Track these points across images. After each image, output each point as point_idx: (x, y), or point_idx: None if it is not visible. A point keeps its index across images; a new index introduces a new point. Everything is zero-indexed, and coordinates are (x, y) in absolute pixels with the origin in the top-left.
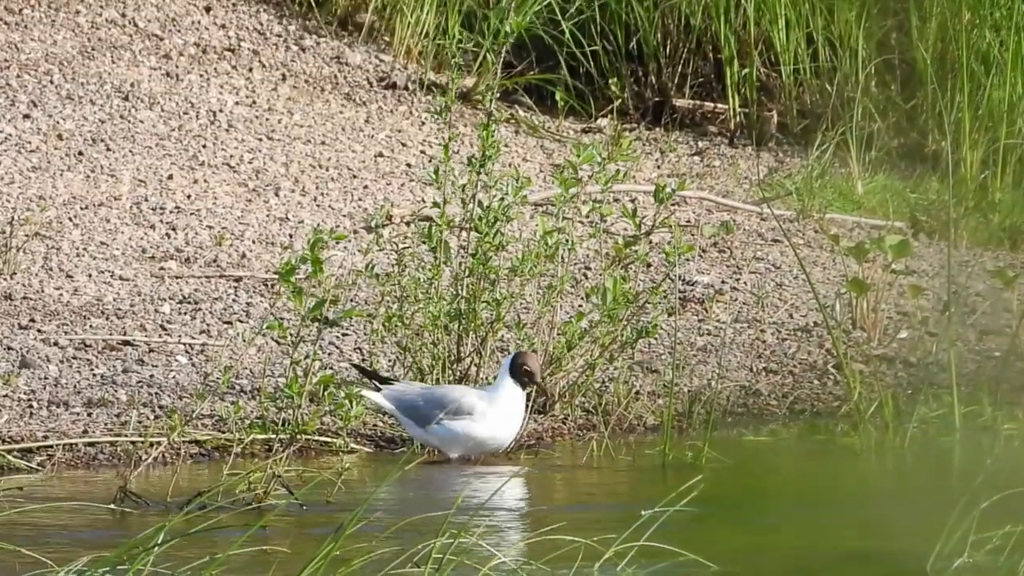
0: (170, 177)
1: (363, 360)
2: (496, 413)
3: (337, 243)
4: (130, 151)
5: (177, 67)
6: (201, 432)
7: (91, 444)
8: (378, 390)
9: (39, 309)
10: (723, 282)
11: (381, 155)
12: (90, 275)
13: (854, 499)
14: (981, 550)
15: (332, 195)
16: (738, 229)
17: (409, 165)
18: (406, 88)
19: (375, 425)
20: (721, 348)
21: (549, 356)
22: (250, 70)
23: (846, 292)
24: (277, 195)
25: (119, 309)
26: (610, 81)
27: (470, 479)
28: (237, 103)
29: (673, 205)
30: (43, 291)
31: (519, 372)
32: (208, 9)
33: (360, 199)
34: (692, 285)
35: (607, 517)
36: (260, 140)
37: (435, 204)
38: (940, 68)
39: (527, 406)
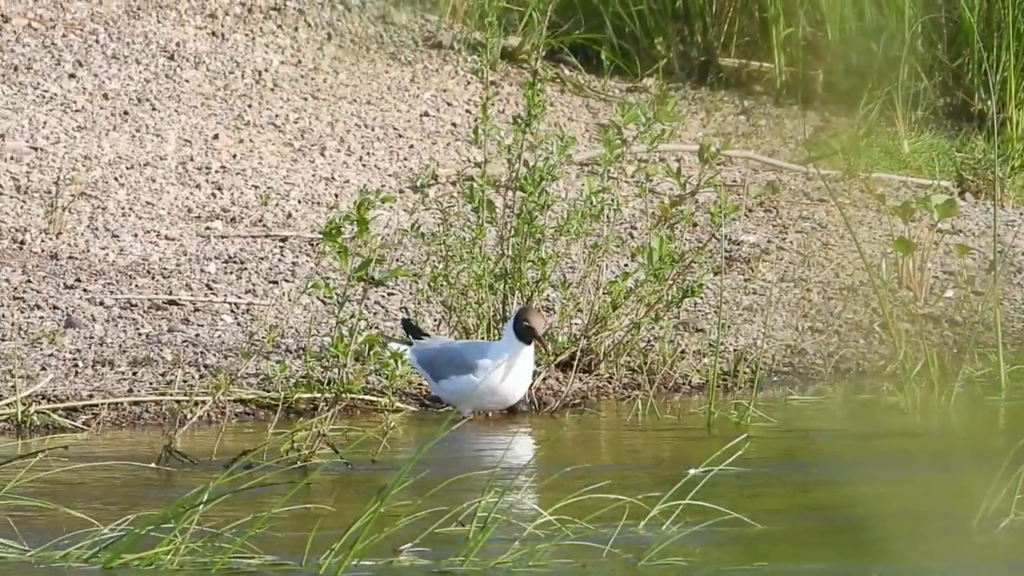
0: (215, 137)
1: (408, 320)
2: (499, 369)
3: (383, 203)
4: (175, 111)
5: (223, 26)
6: (246, 391)
7: (136, 403)
8: (410, 344)
9: (85, 269)
10: (769, 241)
11: (427, 114)
12: (136, 235)
13: (899, 459)
14: None
15: (377, 155)
16: (784, 188)
17: (455, 124)
18: (452, 47)
19: (420, 384)
20: (767, 307)
21: (595, 315)
22: (296, 29)
23: (892, 251)
24: (323, 155)
25: (164, 268)
26: (656, 40)
27: (515, 438)
28: (283, 62)
29: (719, 165)
30: (89, 251)
31: (521, 328)
32: None
33: (406, 159)
34: (738, 244)
35: (652, 476)
36: (305, 100)
37: (477, 164)
38: (986, 27)
39: (578, 364)
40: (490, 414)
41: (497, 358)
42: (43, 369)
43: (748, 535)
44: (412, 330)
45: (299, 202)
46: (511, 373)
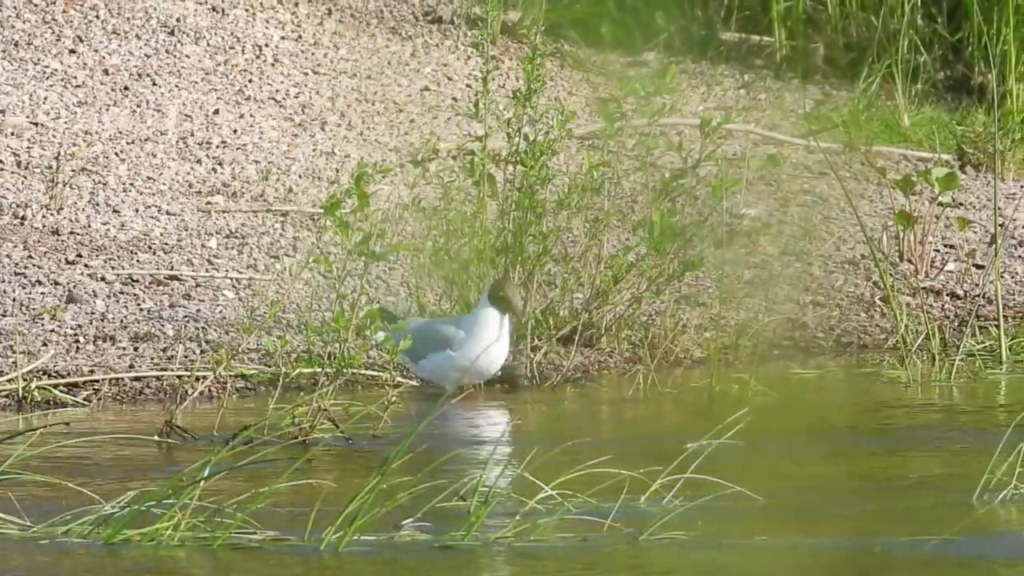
0: (216, 112)
1: (409, 294)
2: (473, 341)
3: (384, 177)
4: (176, 86)
5: (223, 1)
6: (247, 366)
7: (137, 379)
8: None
9: (86, 244)
10: (770, 215)
11: (427, 89)
12: (137, 210)
13: (900, 432)
14: None
15: (378, 129)
16: (785, 162)
17: (455, 99)
18: (451, 22)
19: None
20: (768, 281)
21: (596, 290)
22: (296, 4)
23: (893, 225)
24: (323, 129)
25: (166, 244)
26: (656, 14)
27: (516, 412)
28: (283, 37)
29: (719, 138)
30: (90, 226)
31: (496, 299)
32: None
33: (406, 133)
34: (739, 218)
35: (653, 450)
36: (306, 75)
37: (477, 138)
38: (986, 0)
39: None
40: (478, 386)
41: (471, 329)
42: (44, 345)
43: (750, 509)
44: (385, 315)
45: (300, 177)
46: (486, 343)
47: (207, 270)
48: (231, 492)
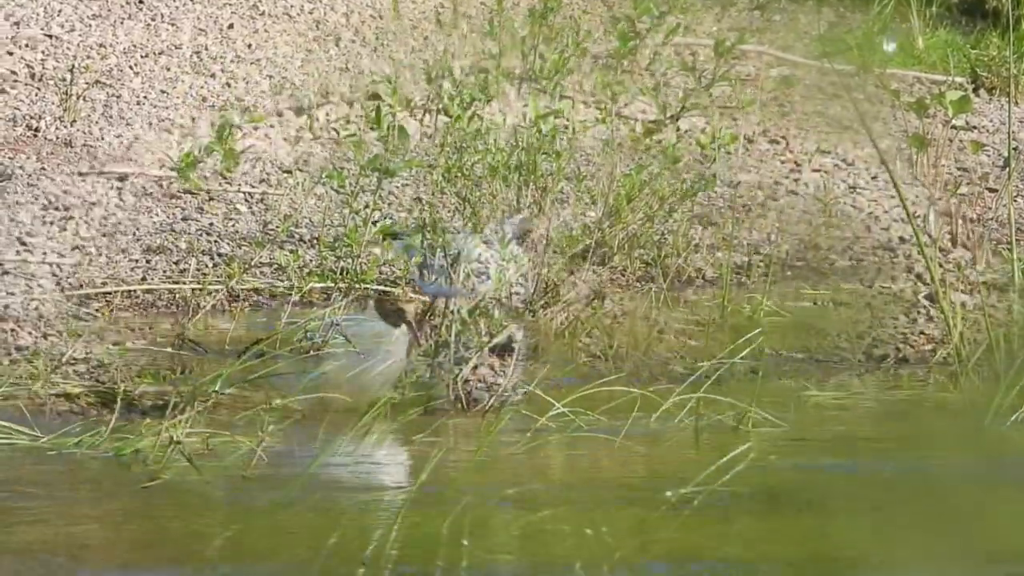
0: (230, 26)
1: (422, 211)
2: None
3: (393, 96)
4: None
5: None
6: (259, 280)
7: (149, 291)
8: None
9: (99, 157)
10: (782, 137)
11: (442, 6)
12: (150, 123)
13: (912, 360)
14: None
15: (392, 46)
16: (798, 84)
17: (470, 16)
18: None
19: None
20: (782, 199)
21: (609, 208)
22: None
23: (907, 147)
24: (337, 45)
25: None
26: None
27: (523, 327)
28: None
29: (733, 59)
30: (103, 139)
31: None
32: None
33: (420, 50)
34: (752, 141)
35: (664, 369)
36: None
37: (492, 56)
38: None
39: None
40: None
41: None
42: (60, 256)
43: (761, 432)
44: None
45: (313, 93)
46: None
47: (220, 184)
48: (243, 406)
